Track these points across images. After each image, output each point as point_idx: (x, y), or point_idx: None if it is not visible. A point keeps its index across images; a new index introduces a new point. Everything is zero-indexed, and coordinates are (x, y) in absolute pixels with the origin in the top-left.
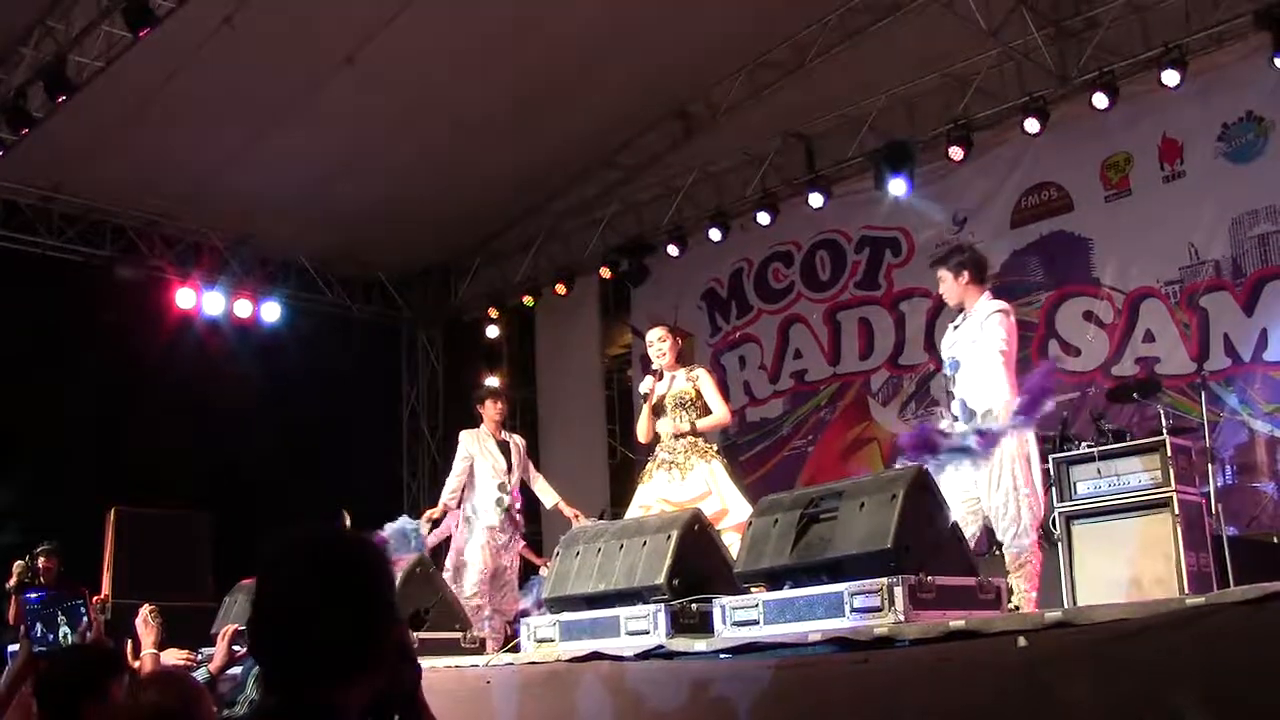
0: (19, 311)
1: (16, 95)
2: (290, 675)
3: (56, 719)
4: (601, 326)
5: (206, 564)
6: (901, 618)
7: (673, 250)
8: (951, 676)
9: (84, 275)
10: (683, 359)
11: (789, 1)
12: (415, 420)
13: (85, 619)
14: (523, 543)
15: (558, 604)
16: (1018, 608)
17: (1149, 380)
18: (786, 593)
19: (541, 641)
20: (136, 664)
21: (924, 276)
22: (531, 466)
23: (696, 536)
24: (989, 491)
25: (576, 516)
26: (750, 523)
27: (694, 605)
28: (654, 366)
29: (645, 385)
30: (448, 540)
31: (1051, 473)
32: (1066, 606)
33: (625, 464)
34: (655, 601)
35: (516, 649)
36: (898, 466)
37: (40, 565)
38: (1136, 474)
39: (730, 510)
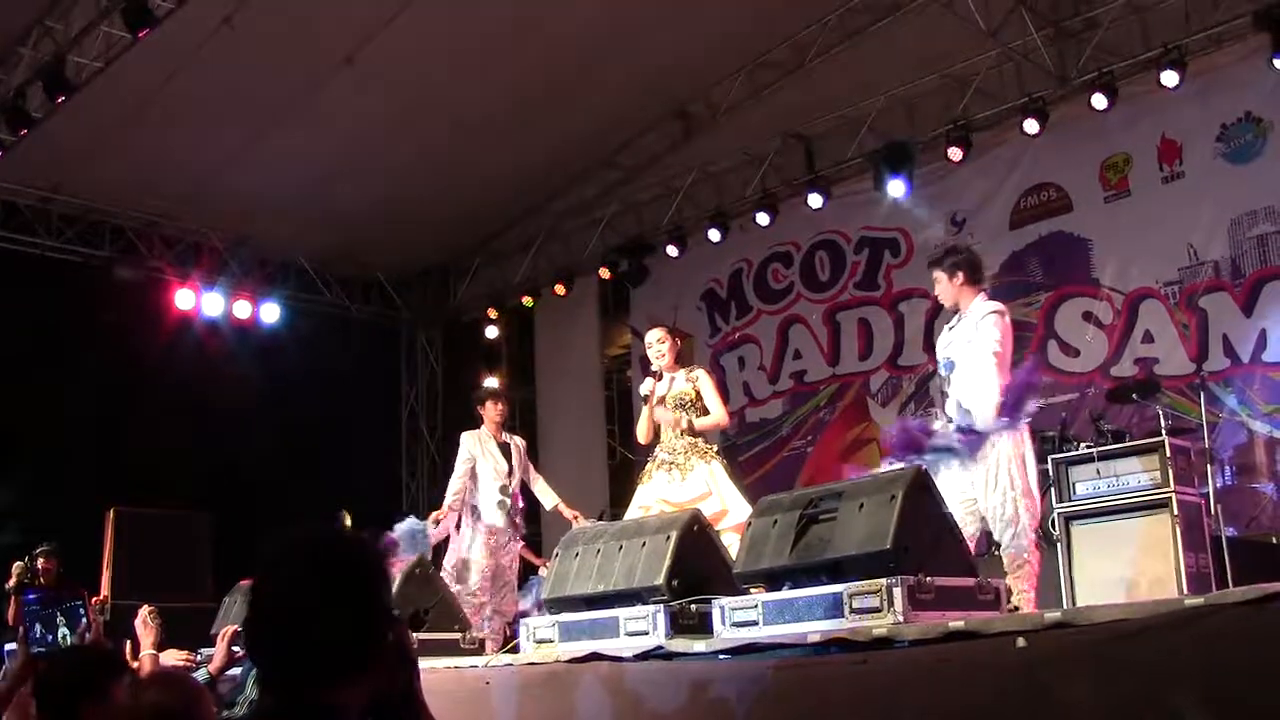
0: (18, 312)
1: (15, 96)
2: (289, 675)
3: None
4: (601, 327)
5: (206, 564)
6: (901, 618)
7: (672, 251)
8: (951, 677)
9: (83, 276)
10: (682, 360)
11: (788, 2)
12: (414, 420)
13: (84, 620)
14: (522, 543)
15: (557, 605)
16: (1017, 608)
17: (1148, 381)
18: (786, 593)
19: (541, 642)
20: (135, 665)
21: (923, 277)
22: (531, 467)
23: (696, 537)
24: (986, 493)
25: (576, 518)
26: (749, 523)
27: (693, 606)
28: (654, 368)
29: (645, 386)
30: (446, 540)
31: (1051, 473)
32: (1066, 607)
33: (625, 464)
34: (654, 602)
35: (516, 650)
36: (887, 466)
37: (40, 566)
38: (1136, 475)
39: (730, 511)
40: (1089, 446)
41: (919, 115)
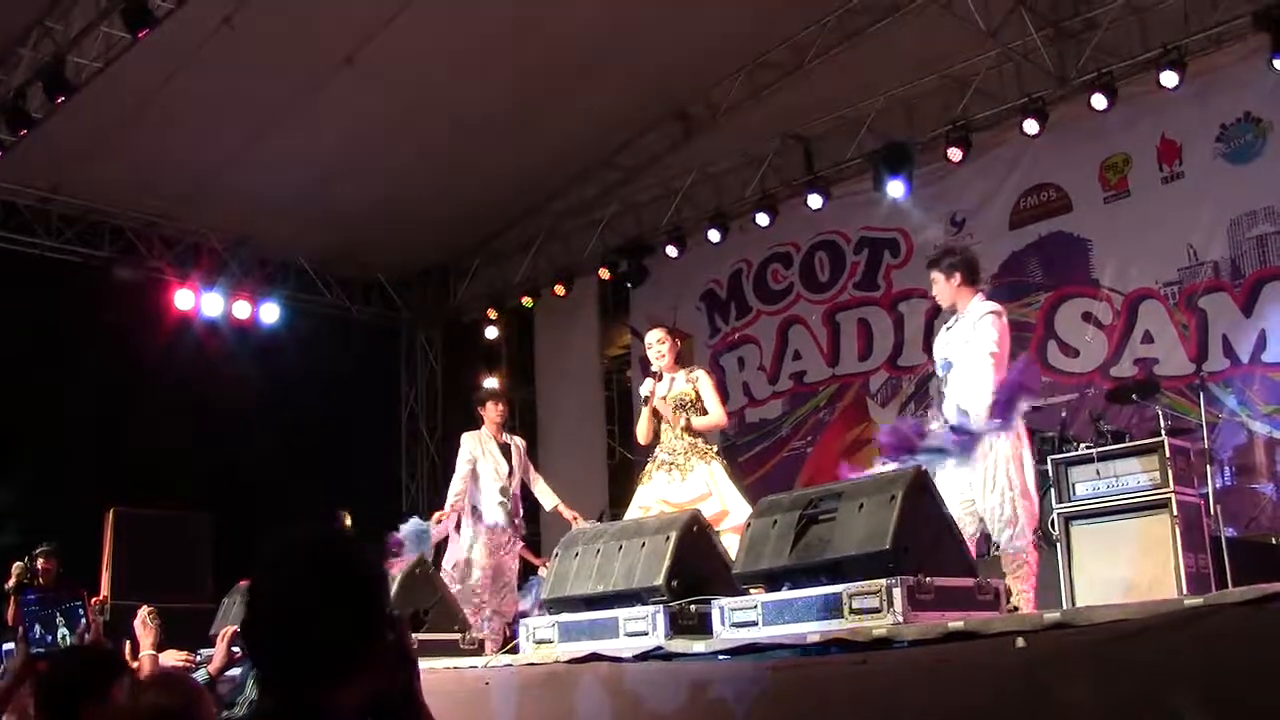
0: (18, 312)
1: (15, 96)
2: (288, 676)
3: None
4: (600, 327)
5: (206, 565)
6: (900, 619)
7: (672, 251)
8: (950, 678)
9: (83, 276)
10: (682, 360)
11: (788, 2)
12: (414, 421)
13: (84, 620)
14: (522, 543)
15: (556, 605)
16: (1016, 609)
17: (1148, 381)
18: (785, 594)
19: (540, 643)
20: (135, 665)
21: (923, 277)
22: (532, 468)
23: (695, 538)
24: (984, 494)
25: (575, 519)
26: (749, 524)
27: (693, 606)
28: (653, 368)
29: (646, 388)
30: (445, 540)
31: (1050, 474)
32: (1065, 607)
33: (624, 465)
34: (654, 603)
35: (515, 650)
36: (881, 466)
37: (39, 566)
38: (1135, 475)
39: (730, 511)
40: (1089, 447)
41: (918, 116)
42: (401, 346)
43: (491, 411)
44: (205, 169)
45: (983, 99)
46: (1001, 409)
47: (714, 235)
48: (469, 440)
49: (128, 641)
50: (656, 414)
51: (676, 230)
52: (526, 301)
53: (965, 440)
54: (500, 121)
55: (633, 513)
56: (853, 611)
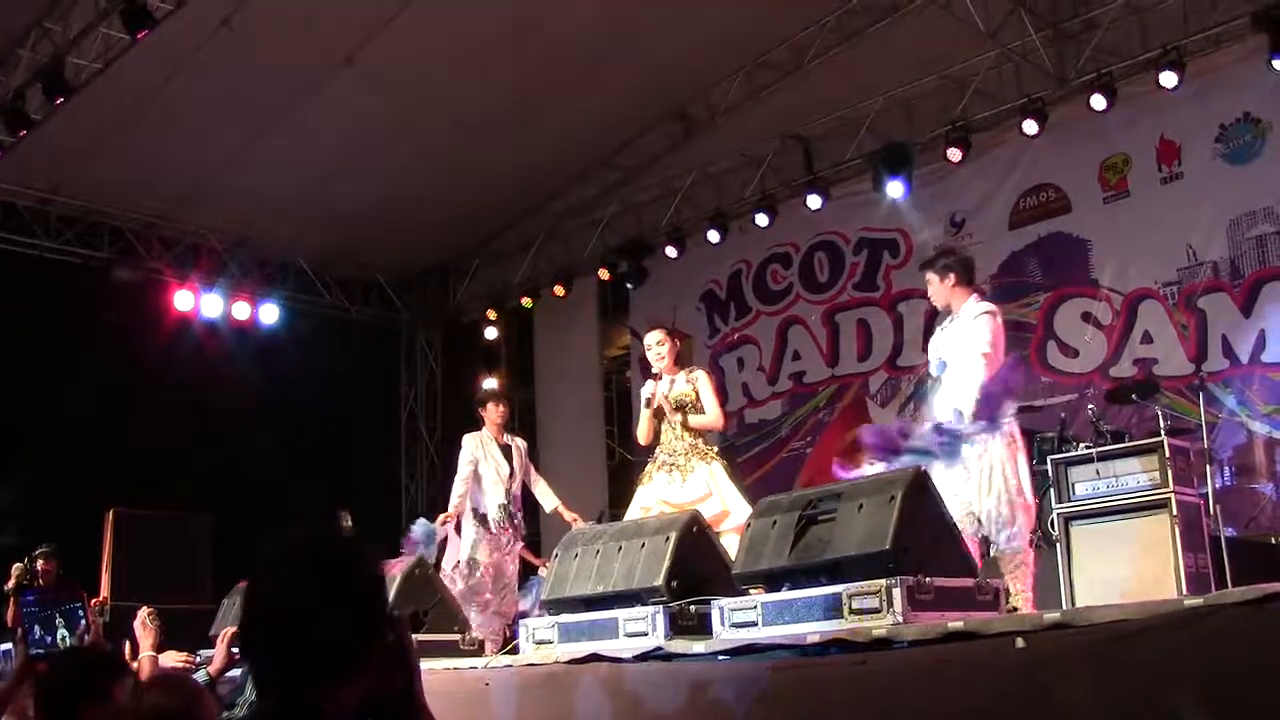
0: (18, 312)
1: (14, 97)
2: (288, 676)
3: None
4: (600, 328)
5: (205, 566)
6: (900, 619)
7: (671, 251)
8: (950, 678)
9: (82, 277)
10: (681, 361)
11: (787, 3)
12: (414, 422)
13: (83, 622)
14: (522, 544)
15: (556, 606)
16: (1015, 609)
17: (1147, 381)
18: (785, 594)
19: (540, 643)
20: (134, 666)
21: (922, 278)
22: (533, 469)
23: (695, 538)
24: (980, 496)
25: (575, 520)
26: (749, 524)
27: (692, 607)
28: (653, 370)
29: (647, 390)
30: (443, 541)
31: (1050, 474)
32: (1065, 608)
33: (624, 465)
34: (654, 603)
35: (515, 651)
36: (869, 467)
37: (39, 567)
38: (1135, 475)
39: (731, 512)
40: (1088, 447)
41: (918, 116)
42: (401, 347)
43: (492, 412)
44: (205, 169)
45: (982, 99)
46: (986, 410)
47: (713, 236)
48: (470, 441)
49: (127, 642)
50: (658, 415)
51: (676, 230)
52: (526, 302)
53: (950, 442)
54: (500, 121)
55: (633, 513)
56: (852, 612)
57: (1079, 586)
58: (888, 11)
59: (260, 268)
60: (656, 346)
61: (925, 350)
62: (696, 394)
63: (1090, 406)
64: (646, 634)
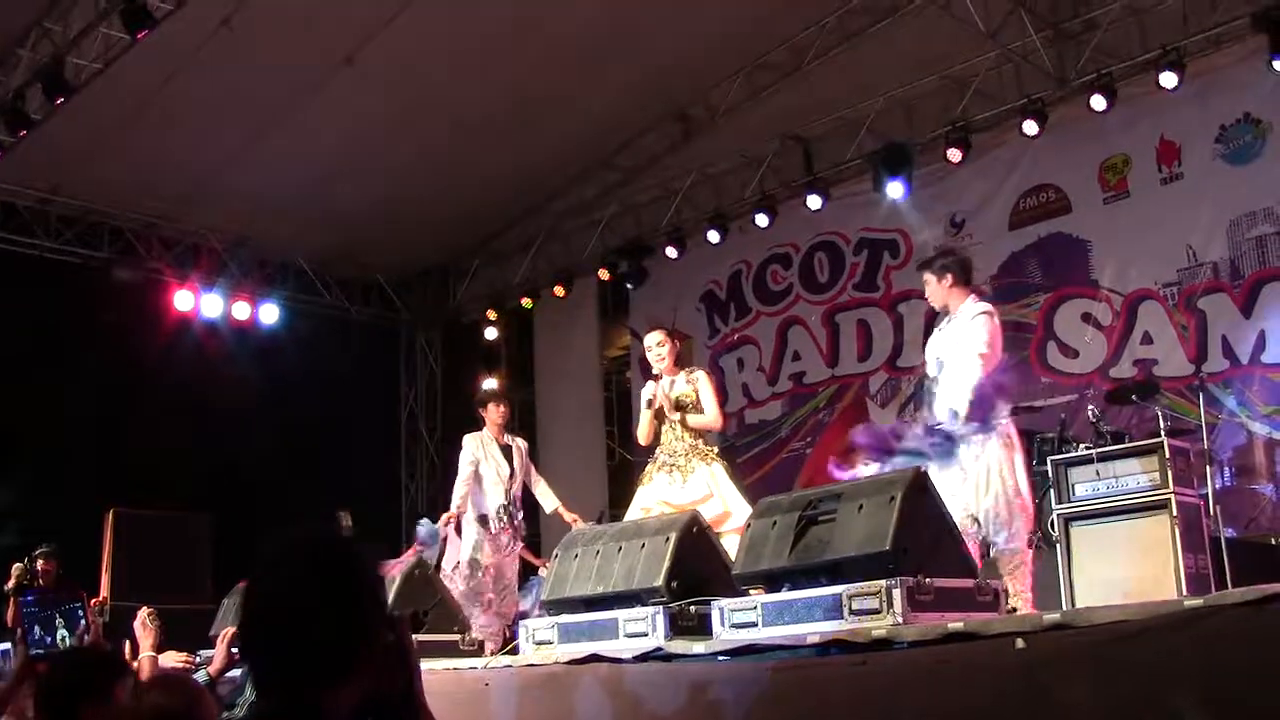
0: (18, 312)
1: (14, 97)
2: (288, 676)
3: None
4: (600, 328)
5: (205, 566)
6: (900, 620)
7: (671, 252)
8: (950, 678)
9: (82, 277)
10: (681, 361)
11: (787, 4)
12: (414, 422)
13: (83, 622)
14: (522, 544)
15: (556, 606)
16: (1014, 609)
17: (1147, 382)
18: (785, 595)
19: (540, 644)
20: (134, 666)
21: (922, 278)
22: (533, 470)
23: (695, 539)
24: (978, 496)
25: (575, 522)
26: (748, 525)
27: (692, 607)
28: (654, 371)
29: (648, 392)
30: (442, 541)
31: (1050, 475)
32: (1065, 608)
33: (624, 466)
34: (654, 604)
35: (515, 651)
36: (863, 468)
37: (39, 567)
38: (1135, 476)
39: (733, 513)
40: (1088, 448)
41: (918, 117)
42: (401, 347)
43: (493, 413)
44: (205, 169)
45: (982, 100)
46: (979, 412)
47: (713, 236)
48: (470, 442)
49: (127, 642)
50: (658, 416)
51: (676, 231)
52: (526, 302)
53: (943, 443)
54: (500, 121)
55: (633, 514)
56: (852, 612)
57: (1079, 587)
58: (888, 12)
59: (260, 268)
60: (657, 348)
61: (925, 351)
62: (696, 394)
63: (1090, 407)
64: (646, 634)
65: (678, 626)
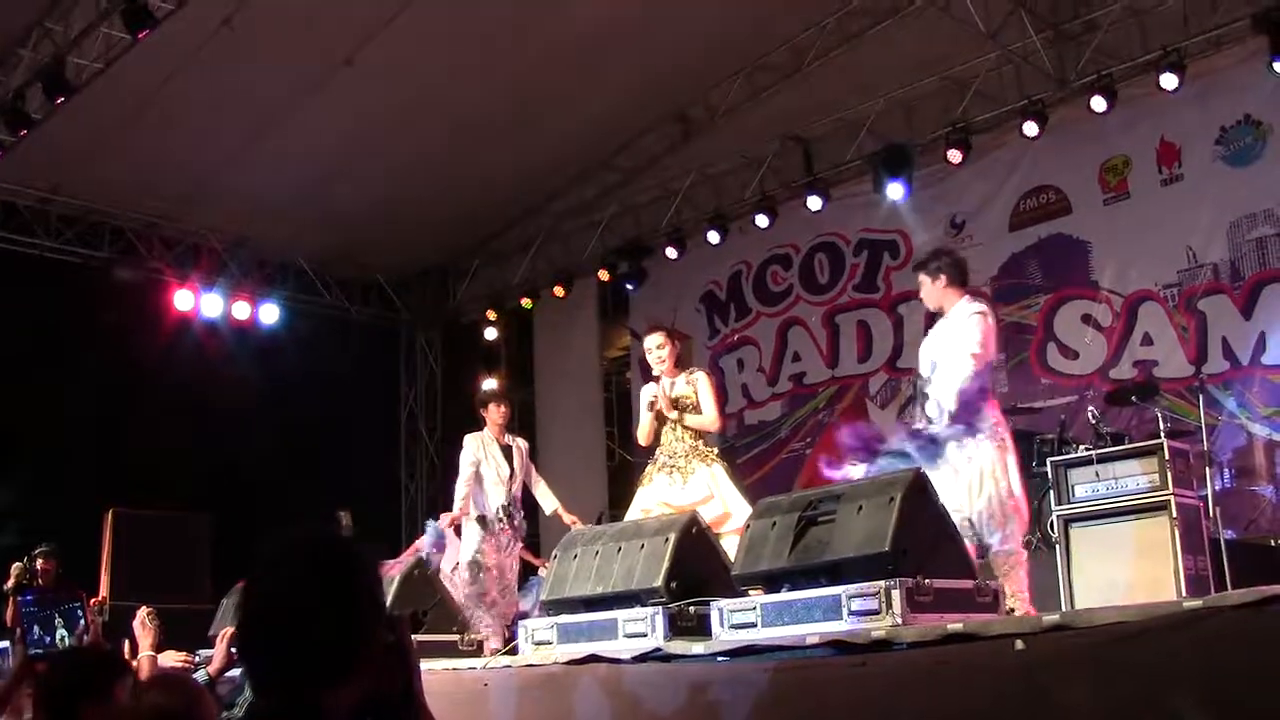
0: (18, 312)
1: (15, 97)
2: (287, 676)
3: None
4: (600, 329)
5: (205, 566)
6: (899, 620)
7: (671, 252)
8: (949, 679)
9: (83, 276)
10: (681, 362)
11: (787, 4)
12: (414, 422)
13: (82, 622)
14: (522, 544)
15: (556, 606)
16: (1013, 610)
17: (1147, 383)
18: (784, 595)
19: (539, 644)
20: (134, 666)
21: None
22: (534, 470)
23: (694, 539)
24: (971, 498)
25: (575, 523)
26: (748, 525)
27: (692, 608)
28: (654, 372)
29: (648, 394)
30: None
31: (1050, 476)
32: (1064, 610)
33: (623, 466)
34: (653, 604)
35: (514, 651)
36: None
37: (38, 567)
38: (1134, 477)
39: (733, 514)
40: (1088, 449)
41: (918, 118)
42: (401, 347)
43: (494, 413)
44: (205, 169)
45: (982, 101)
46: (964, 414)
47: (713, 237)
48: (471, 442)
49: (127, 642)
50: (659, 417)
51: (676, 232)
52: (526, 303)
53: (927, 445)
54: (500, 121)
55: (633, 515)
56: (852, 613)
57: (1078, 588)
58: (888, 13)
59: (260, 268)
60: (656, 349)
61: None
62: (696, 395)
63: (1090, 408)
64: (646, 635)
65: (677, 627)
